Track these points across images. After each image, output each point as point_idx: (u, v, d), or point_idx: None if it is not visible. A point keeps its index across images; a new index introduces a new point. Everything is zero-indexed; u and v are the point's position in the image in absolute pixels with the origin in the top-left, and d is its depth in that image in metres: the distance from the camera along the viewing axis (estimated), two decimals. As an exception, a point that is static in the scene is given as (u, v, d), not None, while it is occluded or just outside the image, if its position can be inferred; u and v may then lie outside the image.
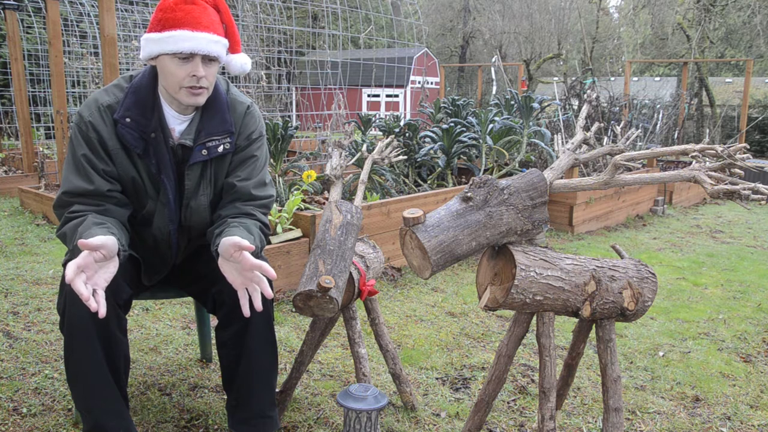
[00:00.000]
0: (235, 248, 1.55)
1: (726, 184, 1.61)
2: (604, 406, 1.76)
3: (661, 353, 2.83)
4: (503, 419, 2.19)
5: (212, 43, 1.64)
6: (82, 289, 1.43)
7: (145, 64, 1.76)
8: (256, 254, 1.77)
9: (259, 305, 1.58)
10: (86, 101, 1.74)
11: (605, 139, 6.10)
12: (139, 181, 1.74)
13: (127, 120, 1.68)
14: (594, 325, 1.80)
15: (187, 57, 1.63)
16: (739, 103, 11.22)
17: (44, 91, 9.11)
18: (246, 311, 1.59)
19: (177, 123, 1.76)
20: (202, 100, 1.71)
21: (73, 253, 1.59)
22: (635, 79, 16.09)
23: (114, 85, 1.75)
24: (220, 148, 1.77)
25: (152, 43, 1.64)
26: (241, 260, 1.56)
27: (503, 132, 5.49)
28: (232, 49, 1.77)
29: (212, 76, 1.70)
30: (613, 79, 12.52)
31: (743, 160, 1.62)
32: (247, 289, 1.60)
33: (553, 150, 5.21)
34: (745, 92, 8.89)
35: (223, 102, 1.79)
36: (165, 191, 1.75)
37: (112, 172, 1.71)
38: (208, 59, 1.66)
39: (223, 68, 1.79)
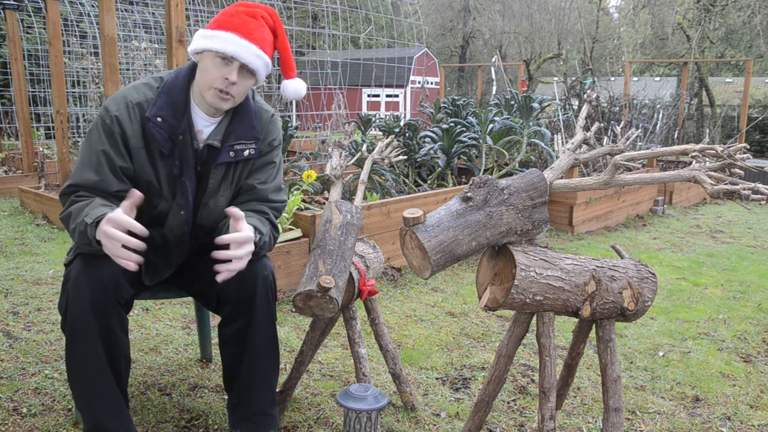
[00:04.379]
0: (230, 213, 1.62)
1: (726, 184, 1.61)
2: (604, 406, 1.76)
3: (661, 353, 2.83)
4: (503, 419, 2.19)
5: (255, 56, 1.68)
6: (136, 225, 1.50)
7: (171, 65, 1.79)
8: (261, 254, 1.80)
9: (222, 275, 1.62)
10: (113, 96, 1.74)
11: (605, 139, 6.10)
12: (154, 183, 1.74)
13: (159, 120, 1.70)
14: (594, 325, 1.80)
15: (228, 60, 1.66)
16: (739, 103, 11.22)
17: (44, 91, 9.11)
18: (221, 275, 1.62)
19: (205, 125, 1.78)
20: (225, 106, 1.73)
21: (77, 235, 1.60)
22: (635, 79, 16.11)
23: (144, 84, 1.76)
24: (246, 152, 1.81)
25: (202, 39, 1.69)
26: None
27: (503, 132, 5.49)
28: (287, 74, 1.83)
29: (244, 87, 1.73)
30: (613, 79, 12.53)
31: (743, 160, 1.62)
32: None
33: (553, 150, 5.21)
34: (745, 92, 8.89)
35: (252, 108, 1.83)
36: (185, 193, 1.77)
37: (129, 170, 1.71)
38: (246, 70, 1.70)
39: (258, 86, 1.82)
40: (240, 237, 1.61)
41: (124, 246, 1.48)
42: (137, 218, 1.76)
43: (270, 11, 1.75)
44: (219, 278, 1.61)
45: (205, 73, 1.70)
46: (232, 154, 1.79)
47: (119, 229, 1.48)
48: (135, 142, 1.70)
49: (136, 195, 1.55)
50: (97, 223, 1.54)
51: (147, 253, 1.84)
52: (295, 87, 1.85)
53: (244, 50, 1.66)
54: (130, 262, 1.49)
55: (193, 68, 1.78)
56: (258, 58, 1.68)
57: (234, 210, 1.63)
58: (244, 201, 1.85)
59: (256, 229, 1.72)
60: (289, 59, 1.81)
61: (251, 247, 1.63)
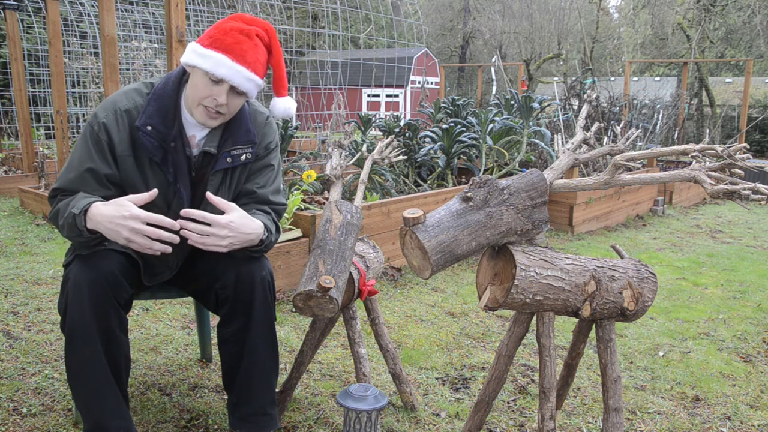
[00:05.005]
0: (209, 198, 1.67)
1: (726, 184, 1.61)
2: (604, 406, 1.76)
3: (661, 353, 2.83)
4: (503, 419, 2.19)
5: (246, 80, 1.67)
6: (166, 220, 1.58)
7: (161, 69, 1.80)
8: (264, 252, 1.82)
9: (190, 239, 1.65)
10: (104, 102, 1.75)
11: (605, 139, 6.09)
12: (141, 191, 1.73)
13: (149, 128, 1.69)
14: (594, 325, 1.80)
15: (218, 81, 1.66)
16: (739, 103, 11.22)
17: (44, 91, 9.11)
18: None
19: (197, 130, 1.78)
20: (214, 123, 1.74)
21: (67, 229, 1.63)
22: (635, 79, 16.09)
23: (134, 89, 1.76)
24: (243, 157, 1.81)
25: (195, 55, 1.67)
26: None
27: (503, 132, 5.49)
28: (278, 92, 1.82)
29: (234, 106, 1.73)
30: (613, 79, 12.52)
31: (743, 160, 1.62)
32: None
33: (553, 150, 5.21)
34: (745, 92, 8.89)
35: (246, 112, 1.83)
36: (180, 200, 1.77)
37: (114, 176, 1.72)
38: (236, 92, 1.69)
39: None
40: (218, 219, 1.63)
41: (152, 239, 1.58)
42: None
43: (266, 28, 1.72)
44: (185, 234, 1.64)
45: (194, 88, 1.69)
46: (229, 159, 1.78)
47: (144, 224, 1.56)
48: (122, 150, 1.71)
49: (153, 193, 1.62)
50: (84, 212, 1.58)
51: (145, 257, 1.84)
52: (285, 106, 1.84)
53: (236, 74, 1.65)
54: (165, 247, 1.60)
55: (183, 73, 1.77)
56: (249, 81, 1.67)
57: (217, 199, 1.66)
58: (245, 204, 1.84)
59: (265, 226, 1.75)
60: (282, 77, 1.79)
61: (226, 232, 1.64)
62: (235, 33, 1.66)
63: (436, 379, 2.49)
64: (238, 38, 1.66)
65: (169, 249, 1.60)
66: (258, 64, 1.69)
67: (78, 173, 1.69)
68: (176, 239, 1.59)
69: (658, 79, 16.77)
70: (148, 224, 1.57)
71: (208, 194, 1.68)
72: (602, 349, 1.76)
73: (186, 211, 1.62)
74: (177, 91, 1.75)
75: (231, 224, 1.64)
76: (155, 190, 1.63)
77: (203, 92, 1.67)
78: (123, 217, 1.54)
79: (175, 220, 1.77)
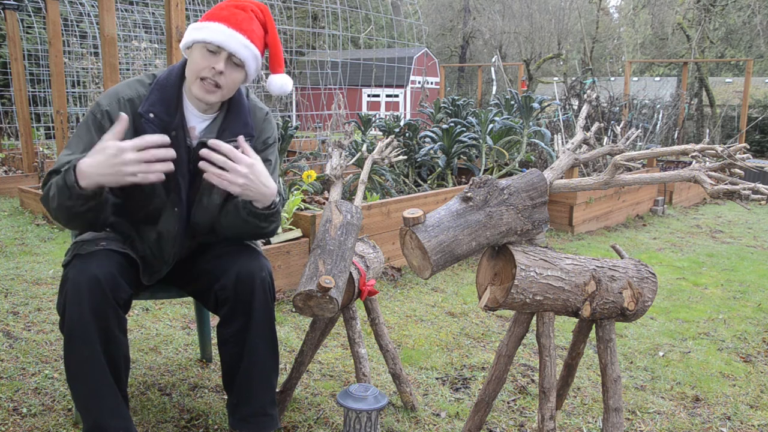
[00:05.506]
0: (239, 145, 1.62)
1: (726, 184, 1.61)
2: (604, 406, 1.76)
3: (661, 353, 2.83)
4: (503, 419, 2.19)
5: (243, 46, 1.67)
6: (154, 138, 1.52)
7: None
8: (268, 216, 1.79)
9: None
10: (106, 92, 1.75)
11: (605, 139, 6.09)
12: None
13: (151, 115, 1.70)
14: (594, 325, 1.80)
15: (215, 50, 1.67)
16: (739, 103, 11.22)
17: (44, 91, 9.11)
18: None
19: (198, 121, 1.79)
20: (212, 98, 1.72)
21: (58, 193, 1.58)
22: (635, 79, 16.08)
23: (136, 80, 1.77)
24: (240, 149, 1.79)
25: (192, 31, 1.69)
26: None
27: (503, 132, 5.49)
28: (274, 69, 1.82)
29: (232, 80, 1.72)
30: (613, 79, 12.51)
31: (743, 160, 1.62)
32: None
33: (553, 150, 5.21)
34: (745, 92, 8.88)
35: (246, 106, 1.83)
36: (178, 191, 1.77)
37: None
38: (233, 63, 1.70)
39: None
40: (243, 157, 1.59)
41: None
42: (132, 217, 1.77)
43: (261, 6, 1.74)
44: (203, 165, 1.59)
45: (192, 64, 1.70)
46: None
47: (135, 151, 1.50)
48: (124, 139, 1.70)
49: (123, 119, 1.54)
50: (73, 168, 1.53)
51: (143, 252, 1.84)
52: (281, 82, 1.83)
53: (232, 40, 1.65)
54: (167, 166, 1.54)
55: (185, 65, 1.78)
56: (245, 48, 1.68)
57: (245, 146, 1.64)
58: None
59: (279, 193, 1.74)
60: (279, 54, 1.80)
61: (246, 171, 1.60)
62: (230, 7, 1.70)
63: (436, 379, 2.49)
64: (233, 11, 1.69)
65: (171, 167, 1.55)
66: (254, 34, 1.70)
67: (78, 157, 1.67)
68: (172, 153, 1.54)
69: (658, 79, 16.77)
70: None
71: (240, 138, 1.66)
72: (602, 349, 1.76)
73: (214, 142, 1.59)
74: (180, 82, 1.76)
75: (253, 166, 1.62)
76: (125, 116, 1.55)
77: (201, 64, 1.67)
78: (113, 155, 1.49)
79: (174, 209, 1.77)
